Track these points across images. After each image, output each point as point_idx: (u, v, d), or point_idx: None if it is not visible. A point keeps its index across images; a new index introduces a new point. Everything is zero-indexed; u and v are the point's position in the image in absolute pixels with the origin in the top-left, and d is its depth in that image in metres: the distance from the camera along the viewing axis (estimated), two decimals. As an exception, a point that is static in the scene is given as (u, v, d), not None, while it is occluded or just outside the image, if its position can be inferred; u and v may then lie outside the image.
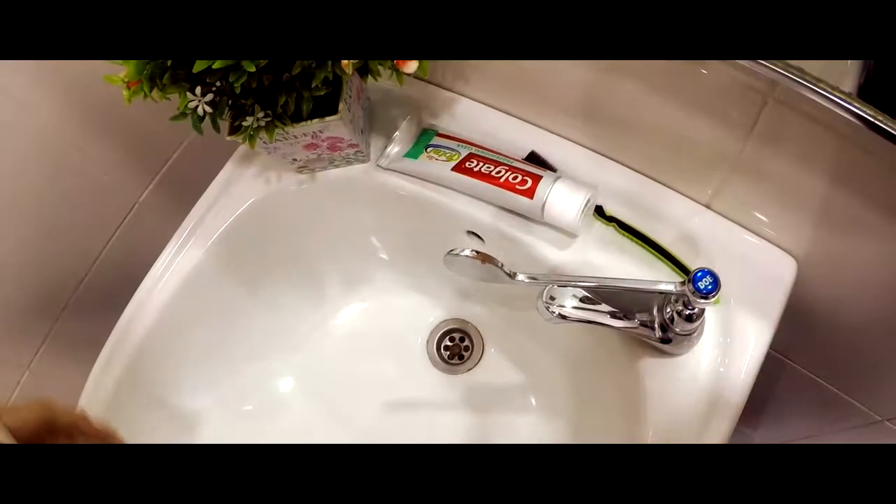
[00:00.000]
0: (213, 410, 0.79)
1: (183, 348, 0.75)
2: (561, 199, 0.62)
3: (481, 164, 0.66)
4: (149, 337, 0.70)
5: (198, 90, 0.55)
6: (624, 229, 0.66)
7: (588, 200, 0.62)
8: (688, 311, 0.56)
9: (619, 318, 0.59)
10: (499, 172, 0.65)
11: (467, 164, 0.66)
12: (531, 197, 0.63)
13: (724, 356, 0.61)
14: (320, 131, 0.64)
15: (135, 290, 0.72)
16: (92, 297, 0.81)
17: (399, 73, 0.59)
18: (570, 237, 0.66)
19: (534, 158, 0.70)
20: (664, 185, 0.68)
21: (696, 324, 0.57)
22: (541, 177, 0.63)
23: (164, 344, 0.72)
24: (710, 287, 0.51)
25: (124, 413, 0.68)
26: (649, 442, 0.60)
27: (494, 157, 0.67)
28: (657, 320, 0.59)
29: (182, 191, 0.82)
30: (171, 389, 0.76)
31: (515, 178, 0.64)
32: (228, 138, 0.62)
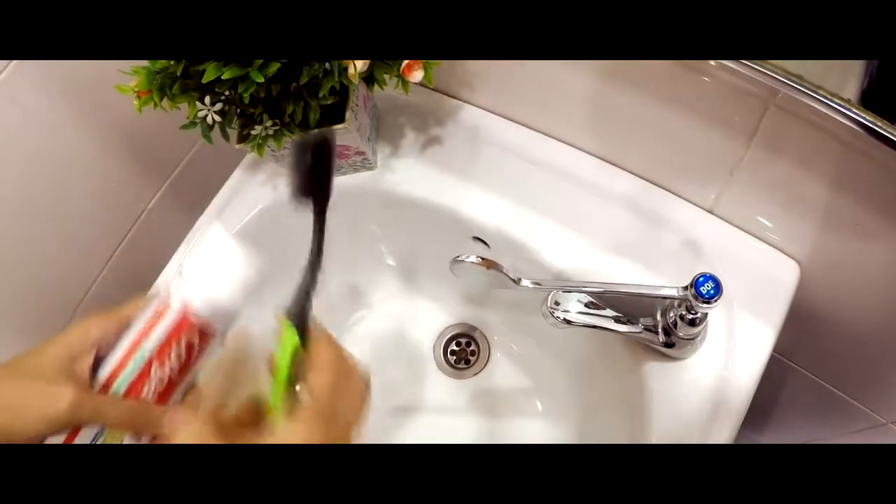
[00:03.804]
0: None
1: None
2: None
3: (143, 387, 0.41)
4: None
5: (207, 99, 0.56)
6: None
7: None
8: (690, 316, 0.57)
9: (623, 323, 0.60)
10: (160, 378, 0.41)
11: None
12: (197, 329, 0.42)
13: (728, 360, 0.62)
14: (327, 139, 0.65)
15: (145, 295, 0.72)
16: (102, 303, 0.82)
17: (404, 82, 0.60)
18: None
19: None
20: (668, 190, 0.69)
21: (700, 328, 0.58)
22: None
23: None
24: (712, 292, 0.52)
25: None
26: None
27: (135, 366, 0.41)
28: (661, 325, 0.59)
29: (191, 198, 0.83)
30: (180, 394, 0.77)
31: (178, 356, 0.41)
32: (237, 147, 0.63)
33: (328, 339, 0.42)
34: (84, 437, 0.40)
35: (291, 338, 0.40)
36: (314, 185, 0.45)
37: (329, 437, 0.38)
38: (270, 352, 0.41)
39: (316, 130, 0.56)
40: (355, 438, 0.41)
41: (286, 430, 0.38)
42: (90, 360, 0.40)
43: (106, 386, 0.40)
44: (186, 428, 0.38)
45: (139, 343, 0.41)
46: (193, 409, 0.40)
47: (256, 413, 0.41)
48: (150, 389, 0.41)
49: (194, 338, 0.41)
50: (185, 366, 0.42)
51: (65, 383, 0.38)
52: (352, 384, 0.42)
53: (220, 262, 0.43)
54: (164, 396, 0.41)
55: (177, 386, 0.42)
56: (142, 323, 0.41)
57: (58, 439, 0.39)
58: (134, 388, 0.40)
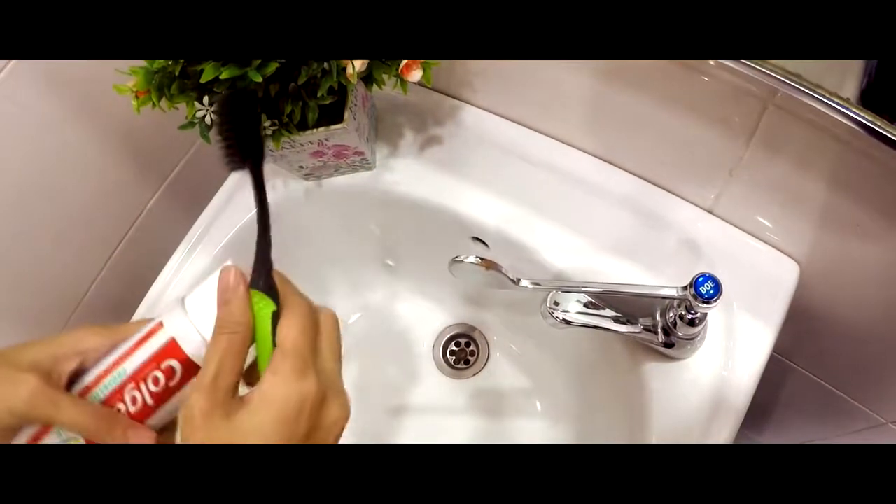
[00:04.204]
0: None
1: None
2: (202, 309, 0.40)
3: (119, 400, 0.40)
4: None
5: (205, 99, 0.56)
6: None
7: None
8: (690, 316, 0.56)
9: (623, 323, 0.60)
10: (133, 398, 0.40)
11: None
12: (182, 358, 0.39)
13: (728, 360, 0.62)
14: (326, 139, 0.64)
15: (144, 296, 0.72)
16: (101, 304, 0.82)
17: (403, 82, 0.60)
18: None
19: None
20: (667, 190, 0.69)
21: (699, 328, 0.58)
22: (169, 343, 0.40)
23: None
24: (711, 292, 0.52)
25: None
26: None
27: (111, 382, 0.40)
28: (660, 325, 0.59)
29: (189, 198, 0.82)
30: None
31: (155, 381, 0.39)
32: (236, 146, 0.63)
33: (293, 290, 0.41)
34: (51, 440, 0.39)
35: (266, 305, 0.39)
36: (243, 143, 0.42)
37: (314, 383, 0.37)
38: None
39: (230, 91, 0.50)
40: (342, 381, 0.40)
41: (266, 388, 0.36)
42: (73, 366, 0.39)
43: (80, 396, 0.39)
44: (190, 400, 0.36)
45: (121, 362, 0.39)
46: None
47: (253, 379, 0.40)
48: (122, 409, 0.39)
49: (177, 366, 0.39)
50: (164, 393, 0.39)
51: (31, 373, 0.37)
52: (326, 324, 0.41)
53: None
54: (135, 418, 0.40)
55: (152, 412, 0.39)
56: (130, 343, 0.40)
57: (23, 437, 0.38)
58: (106, 405, 0.39)
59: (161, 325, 0.40)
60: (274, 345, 0.38)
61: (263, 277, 0.40)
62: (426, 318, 0.88)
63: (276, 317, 0.39)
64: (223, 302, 0.38)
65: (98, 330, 0.41)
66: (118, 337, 0.41)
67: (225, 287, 0.39)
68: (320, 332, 0.40)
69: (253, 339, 0.39)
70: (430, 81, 0.60)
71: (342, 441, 0.41)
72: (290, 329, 0.38)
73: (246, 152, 0.43)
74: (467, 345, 0.86)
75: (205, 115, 0.57)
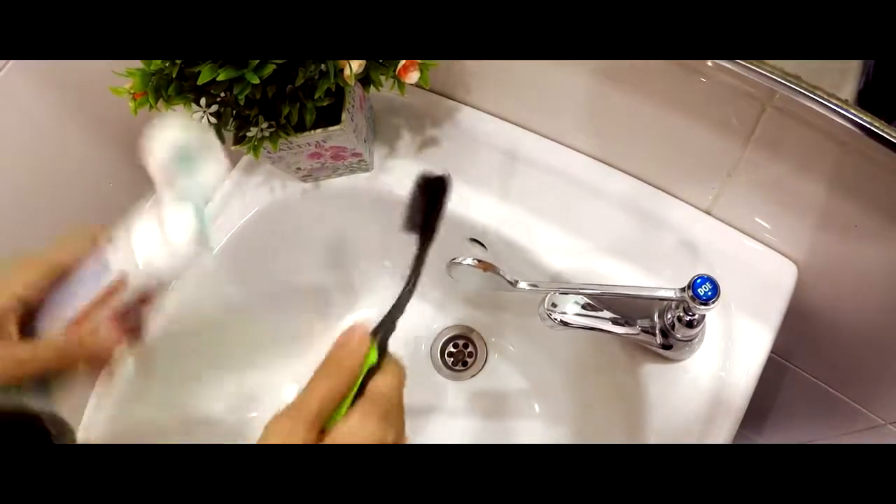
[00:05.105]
0: (219, 417, 0.80)
1: (189, 356, 0.75)
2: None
3: None
4: (155, 345, 0.70)
5: (203, 101, 0.56)
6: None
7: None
8: (688, 318, 0.56)
9: (621, 325, 0.59)
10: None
11: None
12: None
13: (726, 361, 0.62)
14: (324, 141, 0.64)
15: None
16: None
17: (401, 83, 0.60)
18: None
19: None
20: (665, 191, 0.69)
21: (697, 329, 0.58)
22: None
23: (170, 352, 0.72)
24: (709, 293, 0.52)
25: (130, 420, 0.68)
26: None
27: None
28: (658, 326, 0.59)
29: (187, 200, 0.82)
30: (176, 397, 0.77)
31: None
32: (233, 148, 0.63)
33: (398, 363, 0.44)
34: None
35: (371, 356, 0.42)
36: (422, 219, 0.48)
37: (392, 431, 0.39)
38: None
39: (438, 171, 0.50)
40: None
41: (353, 424, 0.39)
42: (17, 310, 0.41)
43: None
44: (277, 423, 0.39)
45: (94, 311, 0.43)
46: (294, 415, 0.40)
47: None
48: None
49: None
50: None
51: None
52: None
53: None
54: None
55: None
56: (92, 288, 0.43)
57: None
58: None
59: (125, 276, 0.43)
60: (361, 394, 0.41)
61: (382, 333, 0.44)
62: (424, 319, 0.88)
63: (372, 370, 0.42)
64: (342, 343, 0.42)
65: (26, 264, 0.44)
66: (52, 265, 0.44)
67: (351, 334, 0.42)
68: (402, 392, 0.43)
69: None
70: (427, 83, 0.60)
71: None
72: (385, 380, 0.41)
73: (425, 227, 0.48)
74: (465, 346, 0.86)
75: (202, 117, 0.56)
